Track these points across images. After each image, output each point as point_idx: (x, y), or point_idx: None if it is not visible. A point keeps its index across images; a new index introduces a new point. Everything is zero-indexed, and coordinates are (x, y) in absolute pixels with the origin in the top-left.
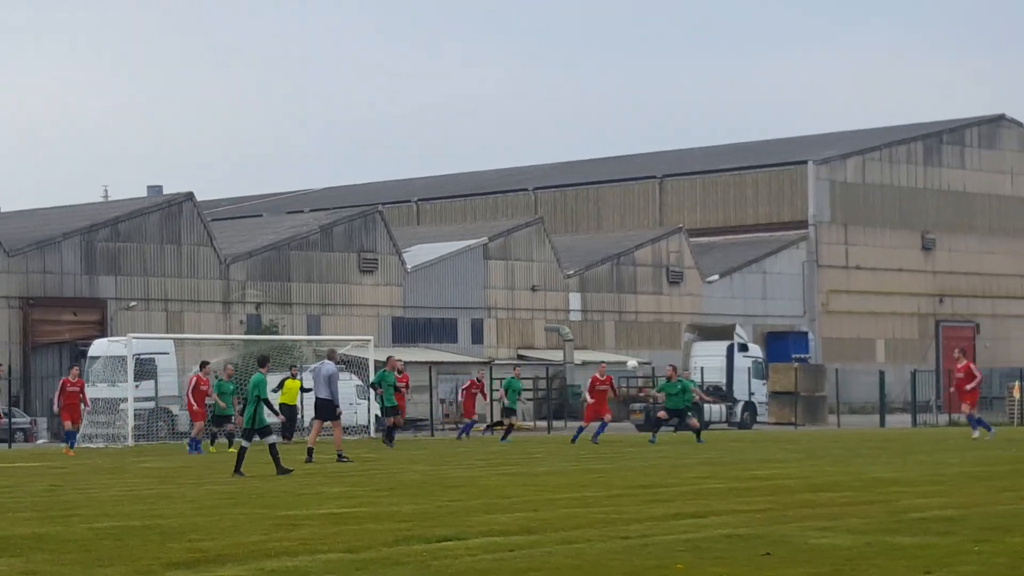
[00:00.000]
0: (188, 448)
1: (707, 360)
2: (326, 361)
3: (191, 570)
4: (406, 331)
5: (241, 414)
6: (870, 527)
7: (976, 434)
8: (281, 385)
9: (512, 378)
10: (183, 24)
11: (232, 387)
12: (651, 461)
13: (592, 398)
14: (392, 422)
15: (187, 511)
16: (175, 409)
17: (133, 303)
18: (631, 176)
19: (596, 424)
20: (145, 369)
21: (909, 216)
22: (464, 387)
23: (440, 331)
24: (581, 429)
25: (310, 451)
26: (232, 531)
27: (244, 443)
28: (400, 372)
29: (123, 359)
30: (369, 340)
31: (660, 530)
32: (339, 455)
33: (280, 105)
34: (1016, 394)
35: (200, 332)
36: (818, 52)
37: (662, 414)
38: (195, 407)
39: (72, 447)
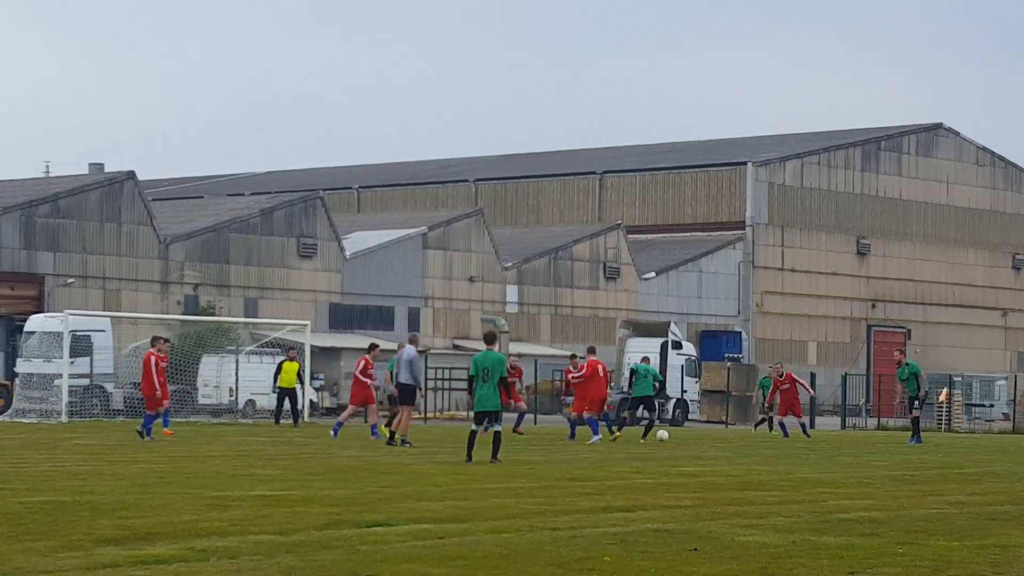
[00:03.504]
0: (372, 432)
1: (641, 356)
2: (408, 345)
3: (120, 547)
4: (343, 317)
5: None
6: (796, 526)
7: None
8: (279, 368)
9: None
10: (130, 2)
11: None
12: (581, 455)
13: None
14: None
15: (118, 488)
16: (109, 387)
17: (71, 280)
18: (571, 171)
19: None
20: (81, 346)
21: (845, 221)
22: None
23: (377, 319)
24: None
25: (395, 437)
26: (163, 510)
27: (474, 427)
28: (513, 368)
29: (59, 335)
30: (306, 325)
31: (588, 523)
32: (403, 440)
33: (224, 88)
34: (943, 400)
35: (137, 311)
36: (760, 55)
37: (916, 413)
38: (369, 383)
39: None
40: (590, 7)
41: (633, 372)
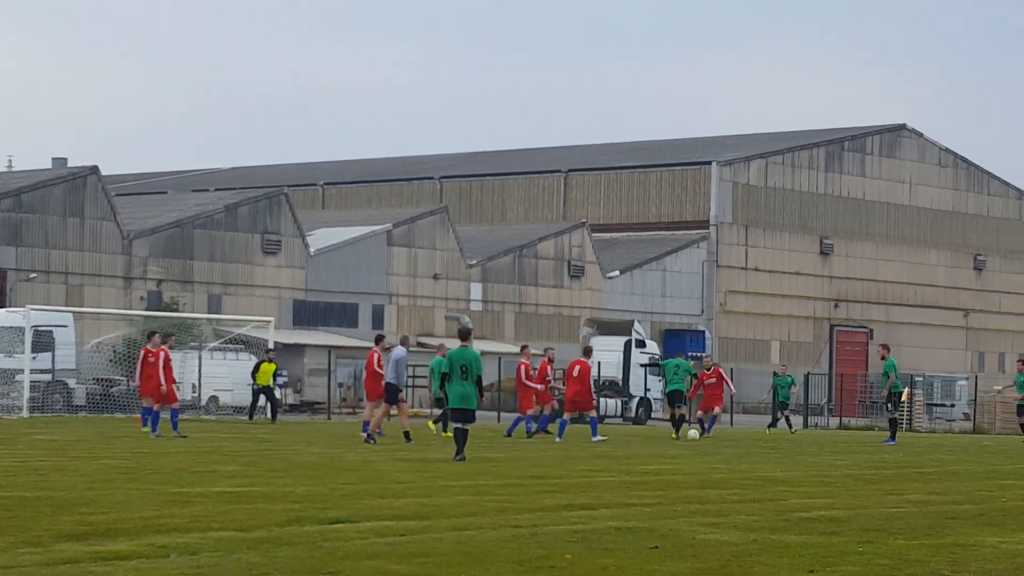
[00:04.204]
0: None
1: (604, 355)
2: (398, 346)
3: (81, 542)
4: (307, 314)
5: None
6: (757, 525)
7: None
8: (257, 368)
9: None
10: None
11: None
12: (543, 453)
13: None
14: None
15: (80, 484)
16: (71, 382)
17: (33, 275)
18: (536, 169)
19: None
20: (43, 341)
21: (808, 221)
22: None
23: (341, 315)
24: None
25: (369, 435)
26: (124, 506)
27: (456, 424)
28: (551, 360)
29: (20, 330)
30: (269, 321)
31: (550, 520)
32: (369, 435)
33: (189, 83)
34: (905, 399)
35: (100, 307)
36: (726, 55)
37: (890, 414)
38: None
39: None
40: (557, 9)
41: (663, 368)
